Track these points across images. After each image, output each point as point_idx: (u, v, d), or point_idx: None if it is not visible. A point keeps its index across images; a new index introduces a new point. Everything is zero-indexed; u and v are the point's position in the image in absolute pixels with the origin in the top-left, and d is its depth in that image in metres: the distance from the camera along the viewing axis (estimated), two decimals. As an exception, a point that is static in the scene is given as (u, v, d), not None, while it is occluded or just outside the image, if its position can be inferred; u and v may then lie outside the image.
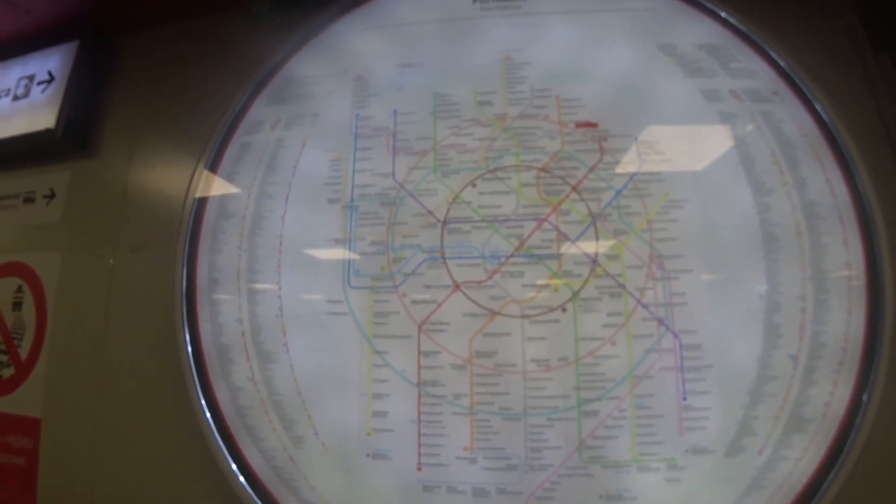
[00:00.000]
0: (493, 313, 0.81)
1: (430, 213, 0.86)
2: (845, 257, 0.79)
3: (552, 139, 0.87)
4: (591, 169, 0.85)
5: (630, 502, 0.74)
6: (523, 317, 0.80)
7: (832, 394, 0.75)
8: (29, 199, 1.22)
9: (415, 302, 0.83)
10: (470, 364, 0.79)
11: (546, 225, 0.83)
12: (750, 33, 0.92)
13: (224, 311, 0.93)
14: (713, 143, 0.87)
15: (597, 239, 0.82)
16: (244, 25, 1.15)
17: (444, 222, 0.86)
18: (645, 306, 0.79)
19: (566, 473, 0.75)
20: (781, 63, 0.90)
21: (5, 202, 1.24)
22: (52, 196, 1.20)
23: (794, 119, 0.86)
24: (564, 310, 0.79)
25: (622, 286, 0.79)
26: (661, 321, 0.78)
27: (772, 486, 0.73)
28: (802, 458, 0.74)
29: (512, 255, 0.82)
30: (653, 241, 0.81)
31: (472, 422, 0.78)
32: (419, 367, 0.81)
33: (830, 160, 0.84)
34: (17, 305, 1.15)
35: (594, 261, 0.81)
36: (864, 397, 0.74)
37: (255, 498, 0.83)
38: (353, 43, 1.01)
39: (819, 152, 0.84)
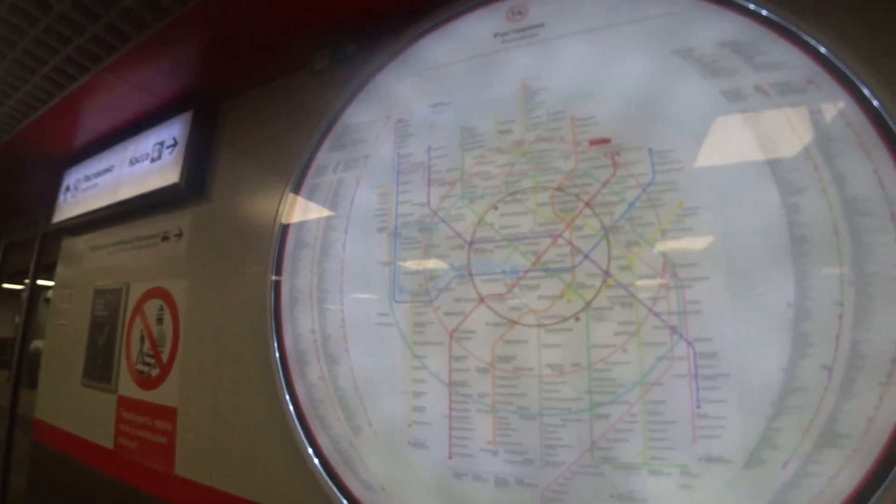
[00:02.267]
0: (513, 323, 0.98)
1: (459, 235, 1.08)
2: None
3: (566, 159, 1.02)
4: (604, 184, 0.98)
5: (641, 504, 0.84)
6: (539, 326, 0.96)
7: (877, 409, 0.74)
8: (165, 238, 1.71)
9: (447, 313, 1.05)
10: (492, 367, 0.98)
11: (560, 241, 0.98)
12: (783, 21, 0.93)
13: (301, 323, 1.25)
14: (734, 144, 0.90)
15: (609, 251, 0.94)
16: (310, 83, 1.49)
17: (471, 243, 1.06)
18: (657, 315, 0.89)
19: (579, 471, 0.89)
20: (821, 48, 0.89)
21: (149, 241, 1.75)
22: (180, 234, 1.67)
23: (834, 107, 0.86)
24: (577, 319, 0.94)
25: (633, 296, 0.91)
26: (673, 329, 0.87)
27: (800, 503, 0.76)
28: (838, 477, 0.74)
29: (529, 270, 0.99)
30: (666, 250, 0.91)
31: (494, 419, 0.96)
32: (450, 369, 1.02)
33: (880, 148, 0.82)
34: (160, 320, 1.63)
35: (606, 272, 0.94)
36: None
37: (325, 475, 1.12)
38: (394, 90, 1.28)
39: (865, 141, 0.83)
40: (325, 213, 1.28)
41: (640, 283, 0.91)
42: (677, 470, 0.83)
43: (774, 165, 0.87)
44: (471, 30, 1.22)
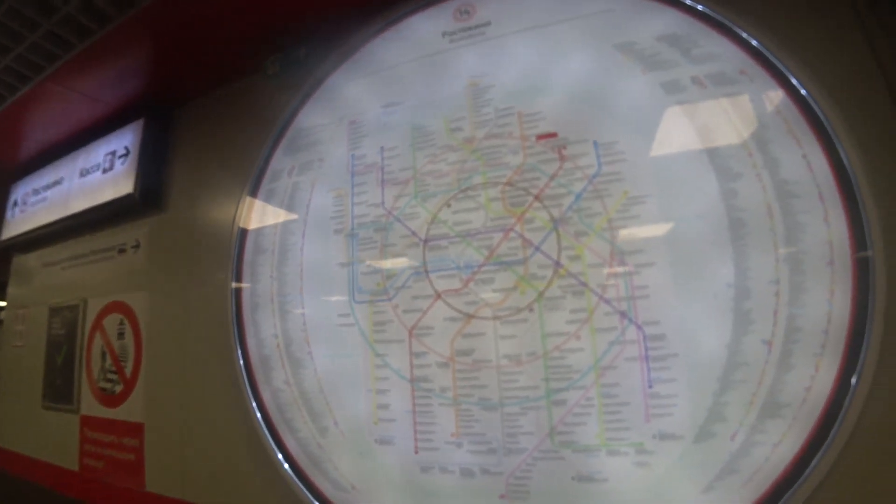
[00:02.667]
0: (470, 317, 1.00)
1: (414, 233, 1.08)
2: (826, 235, 0.82)
3: (515, 154, 1.04)
4: (552, 177, 1.00)
5: (601, 483, 0.87)
6: (495, 318, 0.98)
7: (813, 378, 0.79)
8: (122, 250, 1.66)
9: (405, 311, 1.05)
10: (452, 361, 0.99)
11: (512, 234, 1.00)
12: (716, 15, 0.97)
13: (264, 329, 1.23)
14: (673, 135, 0.94)
15: (559, 242, 0.97)
16: (263, 87, 1.46)
17: (426, 241, 1.07)
18: (607, 301, 0.92)
19: (540, 457, 0.91)
20: (753, 41, 0.94)
21: (106, 254, 1.70)
22: (137, 246, 1.62)
23: (766, 96, 0.90)
24: (531, 310, 0.96)
25: (584, 284, 0.94)
26: (623, 314, 0.90)
27: (747, 471, 0.80)
28: (780, 444, 0.78)
29: (483, 265, 1.01)
30: (613, 238, 0.94)
31: (457, 411, 0.98)
32: (411, 365, 1.03)
33: (807, 133, 0.86)
34: (121, 335, 1.58)
35: (557, 263, 0.96)
36: (853, 380, 0.76)
37: (295, 478, 1.11)
38: (346, 92, 1.27)
39: (794, 127, 0.87)
40: (283, 217, 1.26)
41: (590, 271, 0.94)
42: (633, 449, 0.86)
43: (712, 153, 0.91)
44: (419, 30, 1.22)
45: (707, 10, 1.00)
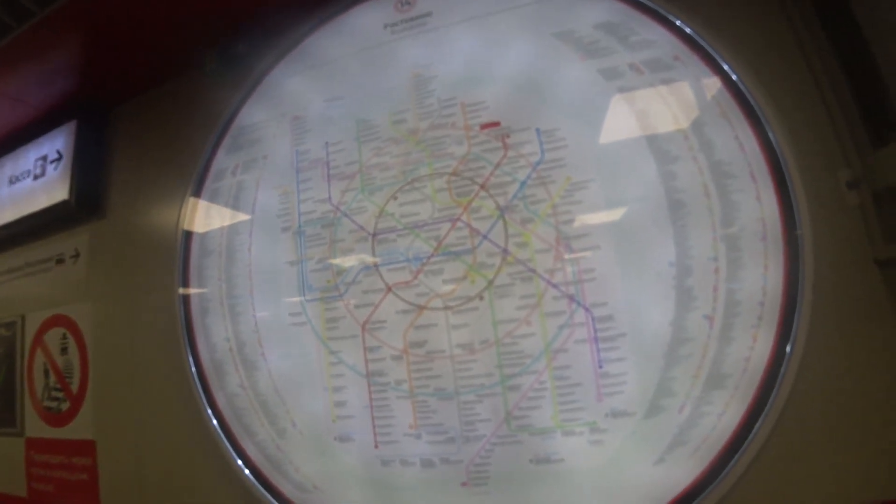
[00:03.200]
0: (421, 308, 0.99)
1: (362, 228, 1.06)
2: (759, 212, 0.85)
3: (460, 144, 1.03)
4: (497, 166, 1.00)
5: (558, 464, 0.88)
6: (446, 308, 0.97)
7: (752, 349, 0.82)
8: (60, 261, 1.55)
9: (357, 306, 1.03)
10: (406, 354, 0.98)
11: (459, 224, 0.99)
12: (649, 2, 0.99)
13: (215, 333, 1.18)
14: (613, 120, 0.96)
15: (506, 230, 0.97)
16: (202, 84, 1.39)
17: (374, 234, 1.05)
18: (555, 286, 0.93)
19: (498, 442, 0.92)
20: (686, 29, 0.96)
21: (43, 265, 1.58)
22: (77, 255, 1.52)
23: (699, 81, 0.93)
24: (481, 298, 0.95)
25: (532, 270, 0.94)
26: (571, 298, 0.91)
27: (695, 441, 0.82)
28: (725, 413, 0.81)
29: (432, 256, 1.00)
30: (558, 224, 0.94)
31: (414, 403, 0.97)
32: (366, 360, 1.01)
33: (739, 116, 0.89)
34: (64, 350, 1.48)
35: (505, 250, 0.96)
36: (787, 349, 0.80)
37: (256, 482, 1.08)
38: (288, 87, 1.22)
39: (726, 110, 0.90)
40: (228, 217, 1.21)
41: (537, 257, 0.94)
42: (587, 428, 0.88)
43: (651, 137, 0.93)
44: (361, 22, 1.19)
45: (640, -1, 1.02)
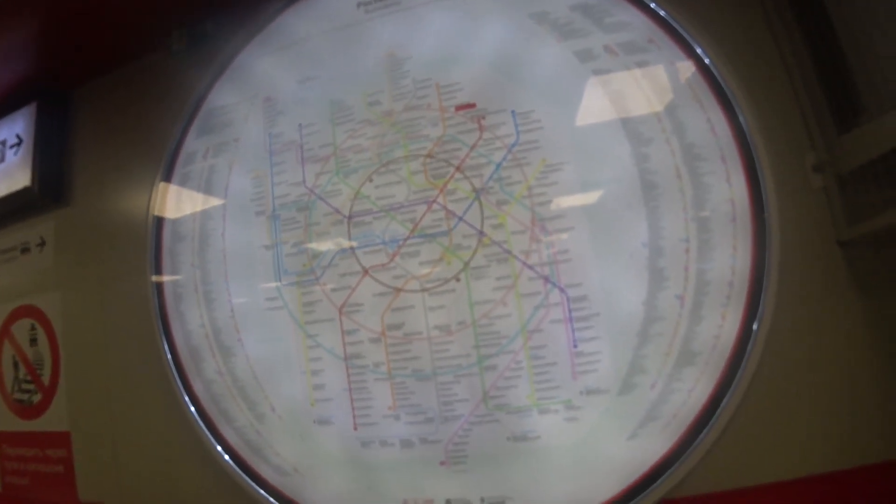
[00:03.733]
0: (398, 290, 0.97)
1: (337, 210, 1.03)
2: (729, 194, 0.85)
3: (435, 126, 1.01)
4: (472, 148, 0.98)
5: (534, 441, 0.89)
6: (423, 290, 0.96)
7: (721, 327, 0.83)
8: (26, 250, 1.47)
9: (334, 289, 1.01)
10: (384, 336, 0.97)
11: (435, 206, 0.98)
12: None
13: (190, 320, 1.15)
14: (587, 102, 0.95)
15: (482, 212, 0.95)
16: (169, 64, 1.32)
17: (350, 217, 1.02)
18: (531, 267, 0.92)
19: (476, 421, 0.92)
20: (661, 11, 0.95)
21: (7, 255, 1.51)
22: (43, 244, 1.45)
23: (672, 64, 0.93)
24: (458, 280, 0.95)
25: (508, 252, 0.93)
26: (546, 279, 0.91)
27: (666, 416, 0.83)
28: (695, 389, 0.83)
29: (408, 238, 0.98)
30: (534, 206, 0.93)
31: (392, 385, 0.96)
32: (344, 343, 1.00)
33: (711, 99, 0.89)
34: (33, 341, 1.42)
35: (480, 232, 0.95)
36: (754, 326, 0.82)
37: (236, 468, 1.06)
38: (259, 67, 1.17)
39: (699, 94, 0.90)
40: (200, 202, 1.17)
41: (513, 238, 0.93)
42: (563, 406, 0.88)
43: (625, 120, 0.92)
44: (333, 1, 1.14)
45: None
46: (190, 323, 1.14)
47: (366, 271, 1.00)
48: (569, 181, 0.93)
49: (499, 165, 0.96)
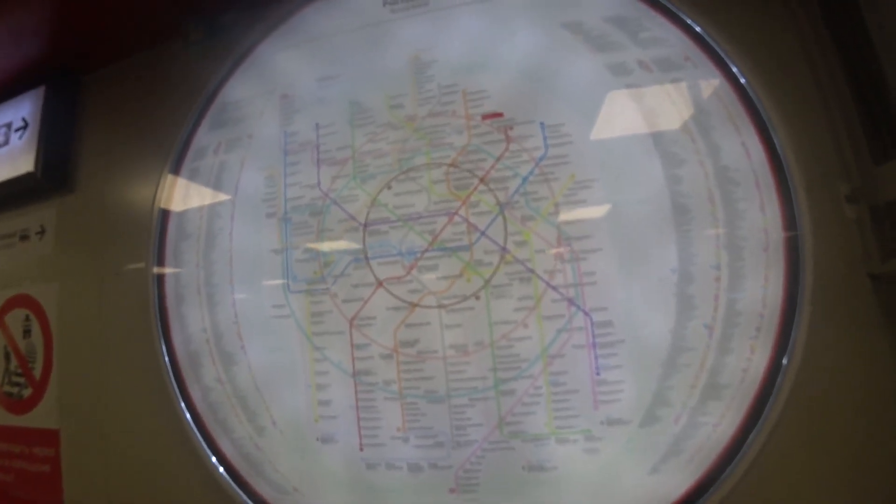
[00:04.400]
0: (413, 305, 0.90)
1: (353, 217, 0.96)
2: (762, 223, 0.81)
3: (460, 134, 0.94)
4: (498, 159, 0.91)
5: (551, 472, 0.82)
6: (440, 307, 0.89)
7: (749, 360, 0.78)
8: (24, 237, 1.40)
9: (345, 300, 0.94)
10: (396, 353, 0.90)
11: (456, 218, 0.91)
12: None
13: (191, 322, 1.08)
14: (620, 118, 0.89)
15: (505, 227, 0.89)
16: (185, 54, 1.25)
17: (365, 225, 0.95)
18: (554, 288, 0.86)
19: (490, 448, 0.85)
20: (696, 27, 0.91)
21: (5, 241, 1.43)
22: (42, 232, 1.37)
23: (708, 84, 0.87)
24: (477, 297, 0.88)
25: (531, 271, 0.87)
26: (571, 301, 0.85)
27: (689, 451, 0.78)
28: (720, 424, 0.77)
29: (426, 251, 0.91)
30: (560, 223, 0.87)
31: (402, 405, 0.89)
32: (353, 358, 0.92)
33: (746, 122, 0.85)
34: (27, 333, 1.34)
35: (503, 248, 0.88)
36: (784, 360, 0.77)
37: (232, 482, 0.98)
38: (277, 62, 1.10)
39: (734, 115, 0.85)
40: (209, 198, 1.09)
41: (537, 257, 0.87)
42: (582, 436, 0.82)
43: (657, 138, 0.87)
44: (358, -3, 1.08)
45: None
46: (191, 326, 1.07)
47: (380, 283, 0.93)
48: (598, 199, 0.87)
49: (525, 179, 0.90)
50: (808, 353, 0.78)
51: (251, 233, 1.04)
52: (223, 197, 1.08)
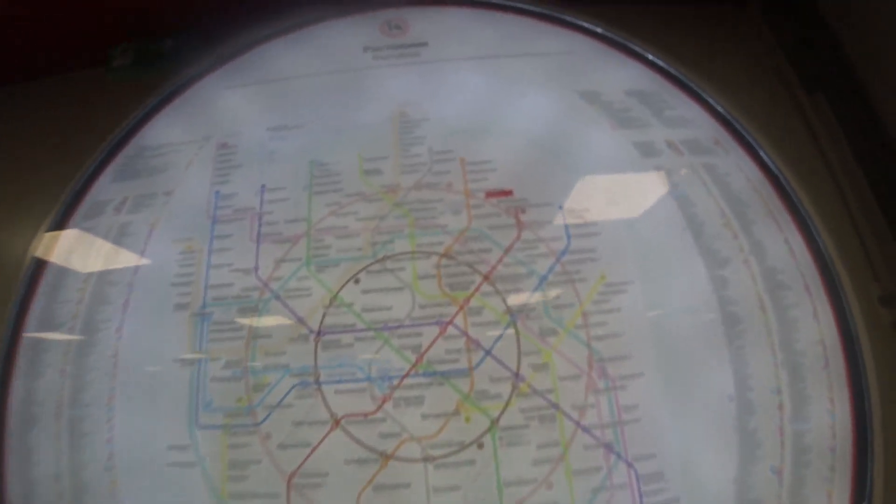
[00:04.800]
0: (386, 457, 0.61)
1: (302, 321, 0.67)
2: (818, 333, 0.65)
3: (457, 214, 0.72)
4: (507, 250, 0.69)
5: None
6: (426, 459, 0.60)
7: None
8: None
9: (282, 446, 0.62)
10: (358, 534, 0.59)
11: (451, 330, 0.65)
12: (681, 76, 0.83)
13: (40, 461, 0.69)
14: (654, 207, 0.73)
15: (518, 344, 0.65)
16: (103, 81, 0.97)
17: (319, 333, 0.67)
18: (587, 430, 0.61)
19: None
20: (719, 108, 0.80)
21: None
22: None
23: (742, 171, 0.75)
24: (481, 445, 0.61)
25: (555, 406, 0.62)
26: (609, 448, 0.60)
27: None
28: None
29: (408, 375, 0.64)
30: (591, 339, 0.65)
31: None
32: (290, 541, 0.60)
33: (785, 216, 0.73)
34: None
35: (516, 375, 0.63)
36: None
37: None
38: (220, 101, 0.85)
39: (773, 209, 0.73)
40: (95, 274, 0.77)
41: (561, 386, 0.63)
42: None
43: (697, 232, 0.71)
44: (334, 39, 0.89)
45: (669, 68, 0.86)
46: (38, 466, 0.68)
47: (337, 421, 0.63)
48: (636, 308, 0.66)
49: (544, 279, 0.68)
50: (891, 495, 0.60)
51: (150, 330, 0.71)
52: (117, 273, 0.76)
